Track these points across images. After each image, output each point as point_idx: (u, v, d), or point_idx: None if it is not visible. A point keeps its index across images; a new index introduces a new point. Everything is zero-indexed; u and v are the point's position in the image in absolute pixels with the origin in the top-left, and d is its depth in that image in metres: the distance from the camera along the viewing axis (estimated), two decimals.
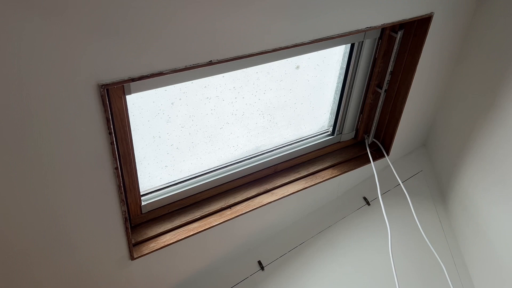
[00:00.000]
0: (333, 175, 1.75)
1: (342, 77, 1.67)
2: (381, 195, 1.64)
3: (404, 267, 1.66)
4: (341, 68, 1.65)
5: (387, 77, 1.67)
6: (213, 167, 1.58)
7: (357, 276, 1.70)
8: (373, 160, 1.80)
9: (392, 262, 1.32)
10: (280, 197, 1.64)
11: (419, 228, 1.55)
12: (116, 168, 1.14)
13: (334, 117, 1.78)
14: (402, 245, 1.74)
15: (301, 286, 1.67)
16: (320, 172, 1.76)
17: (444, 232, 1.82)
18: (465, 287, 1.69)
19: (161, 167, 1.45)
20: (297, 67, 1.52)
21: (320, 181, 1.72)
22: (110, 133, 1.07)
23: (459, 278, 1.70)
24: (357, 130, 1.85)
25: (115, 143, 1.11)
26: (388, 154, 1.84)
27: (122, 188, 1.21)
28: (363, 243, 1.78)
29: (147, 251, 1.38)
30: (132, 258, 1.35)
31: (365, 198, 1.91)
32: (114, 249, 1.31)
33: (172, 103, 1.30)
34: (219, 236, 1.59)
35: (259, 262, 1.71)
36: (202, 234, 1.51)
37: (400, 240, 1.75)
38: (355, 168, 1.80)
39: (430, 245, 1.38)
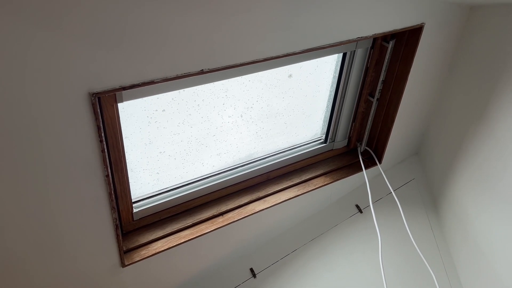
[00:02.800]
0: (325, 183, 1.76)
1: (334, 86, 1.68)
2: (372, 203, 1.65)
3: (395, 276, 1.66)
4: (333, 77, 1.66)
5: (379, 86, 1.69)
6: (205, 174, 1.59)
7: (349, 284, 1.70)
8: (365, 168, 1.81)
9: (382, 271, 1.32)
10: (272, 204, 1.65)
11: (410, 236, 1.56)
12: (107, 176, 1.14)
13: (326, 125, 1.79)
14: (393, 254, 1.74)
15: None
16: (312, 180, 1.77)
17: (435, 240, 1.83)
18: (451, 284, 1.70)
19: (153, 174, 1.45)
20: (290, 75, 1.53)
21: (312, 188, 1.73)
22: (101, 141, 1.07)
23: (450, 286, 1.71)
24: (349, 138, 1.86)
25: (106, 151, 1.11)
26: (380, 162, 1.85)
27: (113, 196, 1.21)
28: (355, 251, 1.78)
29: (138, 258, 1.37)
30: (123, 265, 1.35)
31: (357, 206, 1.92)
32: (105, 256, 1.31)
33: (163, 110, 1.31)
34: (211, 243, 1.59)
35: (251, 270, 1.71)
36: (193, 241, 1.51)
37: (391, 248, 1.76)
38: (347, 176, 1.80)
39: (420, 253, 1.39)
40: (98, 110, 1.03)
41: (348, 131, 1.83)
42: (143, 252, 1.40)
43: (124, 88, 1.02)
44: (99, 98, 1.09)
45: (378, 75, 1.67)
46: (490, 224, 1.65)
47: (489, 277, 1.64)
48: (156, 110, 1.30)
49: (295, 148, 1.77)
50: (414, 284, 1.68)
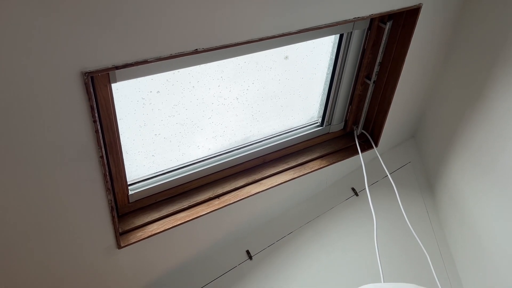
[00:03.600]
0: (321, 166, 1.76)
1: (331, 68, 1.67)
2: (368, 186, 1.66)
3: (390, 257, 1.68)
4: (330, 59, 1.65)
5: (376, 68, 1.68)
6: (201, 157, 1.58)
7: (344, 265, 1.71)
8: (362, 151, 1.81)
9: (377, 253, 1.33)
10: (268, 187, 1.65)
11: (405, 218, 1.57)
12: (102, 157, 1.14)
13: (323, 108, 1.79)
14: (388, 236, 1.75)
15: (289, 275, 1.68)
16: (308, 163, 1.77)
17: (431, 223, 1.84)
18: (450, 277, 1.71)
19: (148, 157, 1.45)
20: (286, 57, 1.52)
21: (308, 171, 1.73)
22: (94, 122, 1.06)
23: (444, 268, 1.73)
24: (346, 121, 1.85)
25: (100, 131, 1.10)
26: (376, 146, 1.85)
27: (108, 177, 1.21)
28: (351, 234, 1.80)
29: (134, 240, 1.38)
30: (119, 247, 1.36)
31: (353, 189, 1.92)
32: (101, 237, 1.31)
33: (158, 92, 1.30)
34: (207, 226, 1.60)
35: (247, 252, 1.72)
36: (190, 223, 1.51)
37: (386, 230, 1.77)
38: (343, 159, 1.80)
39: (415, 235, 1.39)
40: (91, 90, 1.02)
41: (345, 114, 1.83)
42: (139, 234, 1.40)
43: (117, 68, 1.01)
44: (92, 79, 1.07)
45: (375, 57, 1.66)
46: (486, 206, 1.66)
47: (483, 259, 1.66)
48: (151, 92, 1.29)
49: (291, 131, 1.76)
50: (409, 265, 1.69)
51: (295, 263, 1.72)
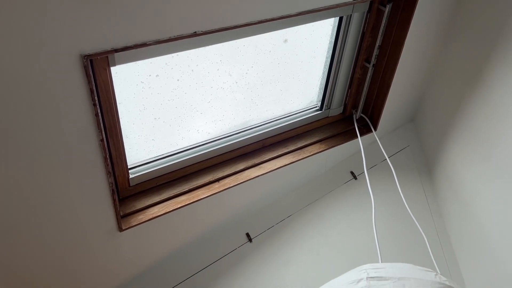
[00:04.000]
0: (321, 150, 1.77)
1: (330, 52, 1.66)
2: (367, 169, 1.66)
3: (388, 239, 1.70)
4: (329, 42, 1.64)
5: (376, 52, 1.67)
6: (201, 141, 1.59)
7: (343, 248, 1.74)
8: (361, 135, 1.82)
9: (375, 234, 1.35)
10: (268, 171, 1.66)
11: (403, 201, 1.58)
12: (102, 140, 1.14)
13: (322, 92, 1.79)
14: (386, 218, 1.77)
15: (288, 258, 1.71)
16: (308, 147, 1.78)
17: (429, 206, 1.86)
18: (447, 258, 1.74)
19: (148, 141, 1.46)
20: (285, 40, 1.51)
21: (308, 155, 1.74)
22: (94, 105, 1.07)
23: (441, 249, 1.75)
24: (345, 105, 1.86)
25: (100, 115, 1.11)
26: (375, 129, 1.86)
27: (109, 160, 1.22)
28: (350, 217, 1.82)
29: (135, 223, 1.40)
30: (121, 229, 1.37)
31: (352, 173, 1.93)
32: (103, 220, 1.33)
33: (157, 76, 1.30)
34: (208, 209, 1.62)
35: (247, 234, 1.74)
36: (190, 206, 1.53)
37: (384, 213, 1.79)
38: (342, 143, 1.81)
39: (413, 217, 1.41)
40: (91, 73, 1.02)
41: (344, 98, 1.83)
42: (140, 217, 1.42)
43: (116, 50, 1.01)
44: (91, 62, 1.07)
45: (374, 40, 1.65)
46: (484, 189, 1.68)
47: (481, 241, 1.68)
48: (150, 75, 1.29)
49: (290, 115, 1.77)
50: (406, 247, 1.72)
51: (294, 245, 1.74)
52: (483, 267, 1.65)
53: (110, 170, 1.23)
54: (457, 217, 1.79)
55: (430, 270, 1.04)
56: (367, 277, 1.00)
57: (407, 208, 1.48)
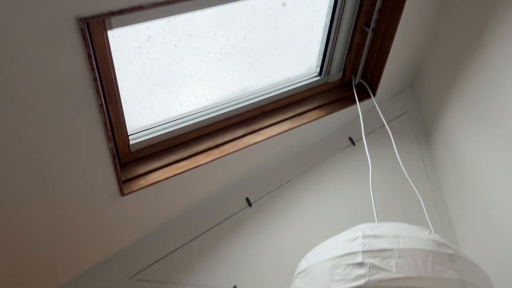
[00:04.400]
0: (319, 116, 1.77)
1: (329, 16, 1.64)
2: (365, 135, 1.68)
3: (384, 202, 1.73)
4: (328, 6, 1.62)
5: (375, 16, 1.65)
6: (200, 107, 1.59)
7: (340, 211, 1.77)
8: (359, 101, 1.82)
9: (371, 195, 1.38)
10: (267, 137, 1.67)
11: (400, 166, 1.60)
12: (101, 105, 1.15)
13: (321, 58, 1.78)
14: (383, 182, 1.80)
15: (287, 221, 1.75)
16: (306, 113, 1.79)
17: (426, 170, 1.89)
18: (442, 221, 1.78)
19: (147, 107, 1.46)
20: (284, 4, 1.49)
21: (306, 121, 1.75)
22: (92, 69, 1.07)
23: (437, 212, 1.79)
24: (344, 71, 1.85)
25: (98, 79, 1.11)
26: (374, 95, 1.86)
27: (109, 126, 1.23)
28: (347, 182, 1.84)
29: (137, 188, 1.42)
30: (123, 194, 1.40)
31: (350, 139, 1.95)
32: (105, 185, 1.36)
33: (154, 40, 1.29)
34: (208, 175, 1.64)
35: (247, 199, 1.78)
36: (190, 172, 1.55)
37: (382, 177, 1.81)
38: (341, 109, 1.82)
39: (410, 180, 1.44)
40: (88, 36, 1.02)
41: (343, 63, 1.82)
42: (141, 181, 1.44)
43: (112, 14, 1.00)
44: (88, 26, 1.07)
45: (374, 3, 1.63)
46: (480, 154, 1.70)
47: (476, 205, 1.71)
48: (147, 40, 1.28)
49: (289, 81, 1.76)
50: (403, 209, 1.75)
51: (293, 209, 1.78)
52: (477, 228, 1.69)
53: (111, 135, 1.25)
54: (454, 182, 1.82)
55: (425, 228, 1.07)
56: (363, 235, 1.02)
57: (404, 172, 1.51)
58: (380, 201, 1.67)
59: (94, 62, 1.07)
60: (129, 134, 1.46)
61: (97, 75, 1.09)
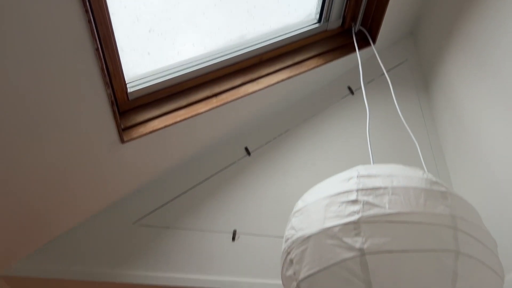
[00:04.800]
0: (318, 64, 1.76)
1: None
2: (364, 83, 1.67)
3: (381, 148, 1.76)
4: None
5: None
6: (197, 55, 1.58)
7: (339, 159, 1.80)
8: (359, 48, 1.80)
9: (368, 140, 1.39)
10: (265, 86, 1.67)
11: (399, 114, 1.61)
12: (97, 50, 1.14)
13: (321, 3, 1.74)
14: (381, 129, 1.82)
15: (286, 170, 1.78)
16: (305, 62, 1.77)
17: (423, 118, 1.90)
18: (438, 167, 1.81)
19: (144, 55, 1.45)
20: None
21: (305, 70, 1.74)
22: (86, 11, 1.05)
23: (434, 160, 1.82)
24: (344, 18, 1.81)
25: (93, 22, 1.10)
26: (374, 43, 1.83)
27: (106, 71, 1.23)
28: (346, 130, 1.86)
29: (136, 135, 1.44)
30: (123, 141, 1.42)
31: (349, 88, 1.94)
32: (104, 132, 1.37)
33: None
34: (207, 124, 1.65)
35: (246, 148, 1.80)
36: (189, 121, 1.56)
37: (379, 124, 1.83)
38: (340, 57, 1.80)
39: (407, 127, 1.45)
40: None
41: (343, 9, 1.78)
42: (141, 129, 1.45)
43: None
44: None
45: None
46: (480, 104, 1.69)
47: (472, 151, 1.73)
48: None
49: (288, 29, 1.73)
50: (399, 155, 1.78)
51: (291, 158, 1.80)
52: (472, 176, 1.72)
53: (108, 81, 1.24)
54: (451, 130, 1.84)
55: (419, 169, 1.09)
56: (357, 175, 1.05)
57: (402, 119, 1.51)
58: (377, 149, 1.70)
59: (88, 4, 1.05)
60: (127, 82, 1.46)
61: (91, 18, 1.07)
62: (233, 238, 1.64)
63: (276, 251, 1.54)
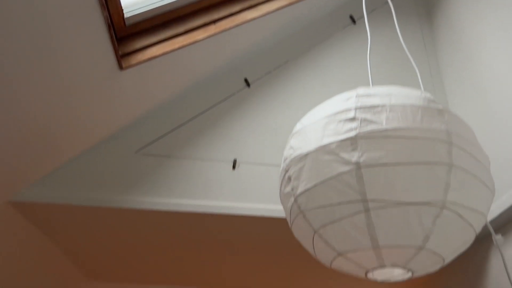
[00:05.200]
0: None
1: None
2: (366, 13, 1.62)
3: (382, 76, 1.75)
4: None
5: None
6: None
7: (339, 90, 1.78)
8: None
9: (368, 65, 1.38)
10: (264, 13, 1.63)
11: (400, 41, 1.58)
12: None
13: None
14: (382, 56, 1.80)
15: (285, 101, 1.78)
16: None
17: (425, 46, 1.87)
18: (436, 89, 1.81)
19: None
20: None
21: None
22: None
23: (432, 84, 1.82)
24: None
25: None
26: None
27: None
28: (347, 60, 1.84)
29: (135, 62, 1.43)
30: (121, 67, 1.41)
31: (351, 17, 1.90)
32: (103, 58, 1.35)
33: None
34: (205, 53, 1.63)
35: (245, 80, 1.79)
36: (187, 49, 1.54)
37: (381, 52, 1.81)
38: None
39: (407, 51, 1.43)
40: None
41: None
42: (139, 56, 1.44)
43: None
44: None
45: None
46: (481, 32, 1.66)
47: (471, 79, 1.72)
48: None
49: None
50: (399, 80, 1.77)
51: (291, 89, 1.80)
52: (469, 101, 1.73)
53: (104, 3, 1.21)
54: (451, 57, 1.82)
55: (417, 89, 1.09)
56: (356, 95, 1.06)
57: (402, 43, 1.49)
58: (378, 76, 1.68)
59: None
60: (123, 8, 1.42)
61: None
62: (234, 167, 1.68)
63: (275, 179, 1.59)
